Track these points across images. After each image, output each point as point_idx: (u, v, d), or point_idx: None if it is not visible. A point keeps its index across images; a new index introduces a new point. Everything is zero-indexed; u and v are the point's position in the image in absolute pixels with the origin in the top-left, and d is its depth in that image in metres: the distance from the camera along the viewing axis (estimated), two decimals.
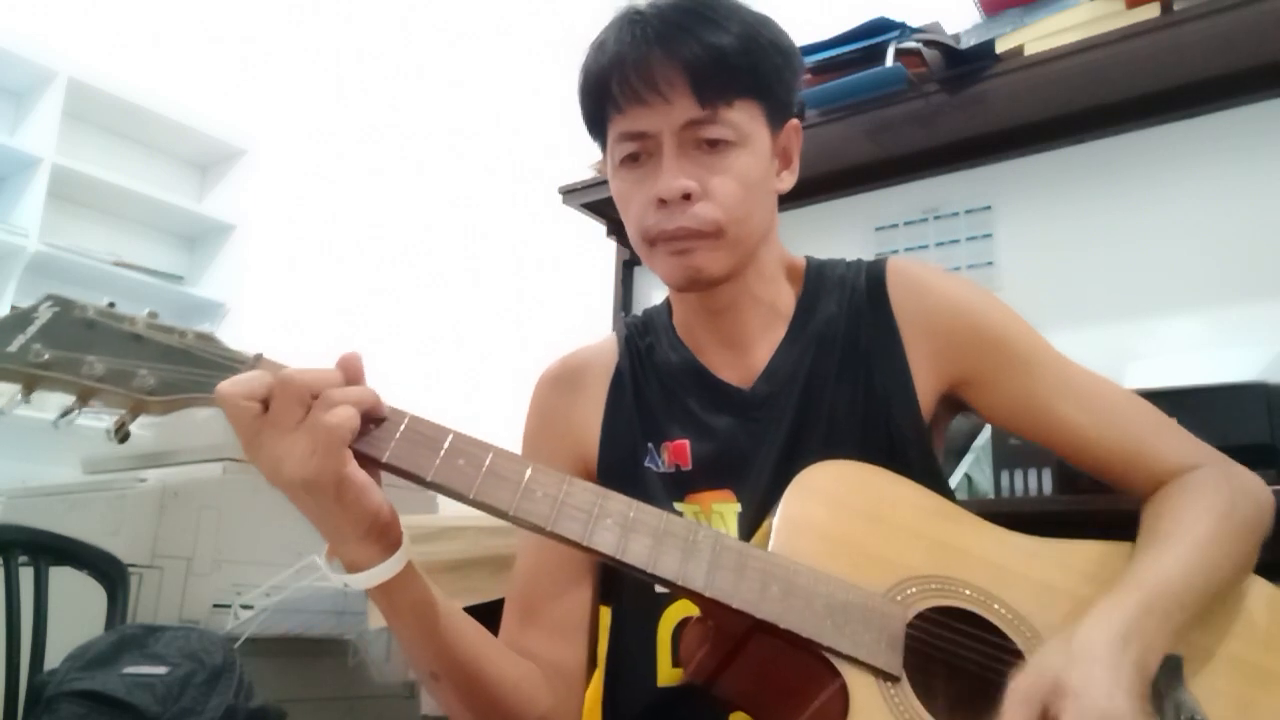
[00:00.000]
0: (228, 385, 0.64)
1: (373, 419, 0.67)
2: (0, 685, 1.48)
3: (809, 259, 0.97)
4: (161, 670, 1.46)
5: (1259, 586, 0.80)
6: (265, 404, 0.64)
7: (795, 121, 0.91)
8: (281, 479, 0.64)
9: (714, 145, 0.83)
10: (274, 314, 3.26)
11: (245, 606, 1.86)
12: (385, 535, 0.69)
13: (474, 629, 0.79)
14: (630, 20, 0.84)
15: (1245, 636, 0.77)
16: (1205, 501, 0.79)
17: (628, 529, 0.68)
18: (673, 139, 0.82)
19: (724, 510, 0.86)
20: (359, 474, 0.66)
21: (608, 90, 0.84)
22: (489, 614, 0.92)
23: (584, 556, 0.89)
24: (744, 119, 0.84)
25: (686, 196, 0.82)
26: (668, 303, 0.99)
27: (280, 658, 1.87)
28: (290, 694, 1.76)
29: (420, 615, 0.73)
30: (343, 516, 0.66)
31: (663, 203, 0.82)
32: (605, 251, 2.38)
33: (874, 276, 0.92)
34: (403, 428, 0.68)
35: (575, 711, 0.89)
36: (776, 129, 0.88)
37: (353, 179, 3.22)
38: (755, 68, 0.83)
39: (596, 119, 0.88)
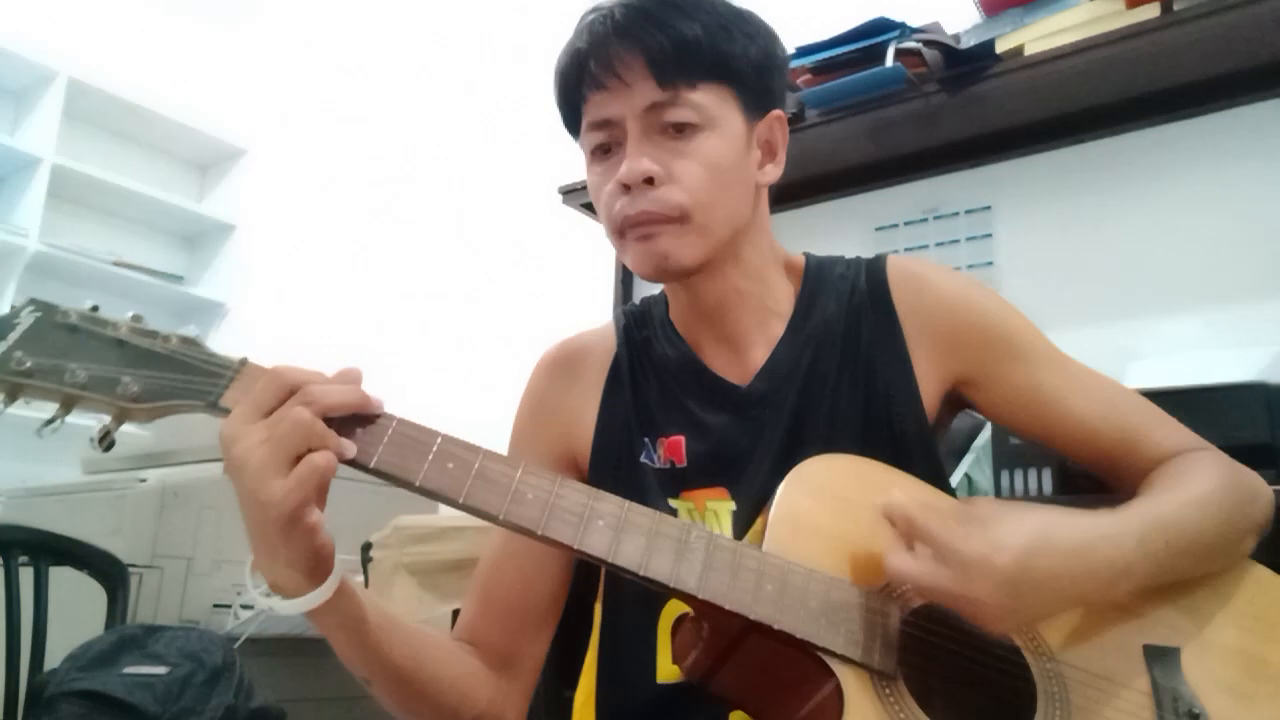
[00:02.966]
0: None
1: (359, 421, 0.67)
2: (0, 685, 1.48)
3: (808, 256, 0.96)
4: (161, 670, 1.46)
5: (1263, 577, 0.80)
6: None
7: (779, 112, 0.89)
8: (243, 482, 0.63)
9: (680, 130, 0.82)
10: (274, 314, 3.26)
11: (245, 606, 1.86)
12: (316, 570, 0.68)
13: (409, 639, 0.79)
14: (598, 16, 0.84)
15: (1247, 627, 0.77)
16: (1204, 469, 0.80)
17: (620, 530, 0.67)
18: (636, 124, 0.82)
19: (718, 508, 0.85)
20: (312, 516, 0.65)
21: (573, 85, 0.85)
22: None
23: (557, 552, 0.89)
24: (710, 101, 0.82)
25: (649, 181, 0.81)
26: (664, 295, 0.99)
27: (280, 658, 1.87)
28: (290, 694, 1.76)
29: (347, 632, 0.73)
30: (280, 543, 0.65)
31: (626, 188, 0.82)
32: (605, 251, 2.38)
33: (875, 274, 0.91)
34: (391, 431, 0.67)
35: (519, 704, 0.89)
36: (754, 118, 0.87)
37: (352, 179, 3.21)
38: (720, 51, 0.82)
39: (571, 117, 0.89)
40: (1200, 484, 0.78)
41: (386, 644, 0.76)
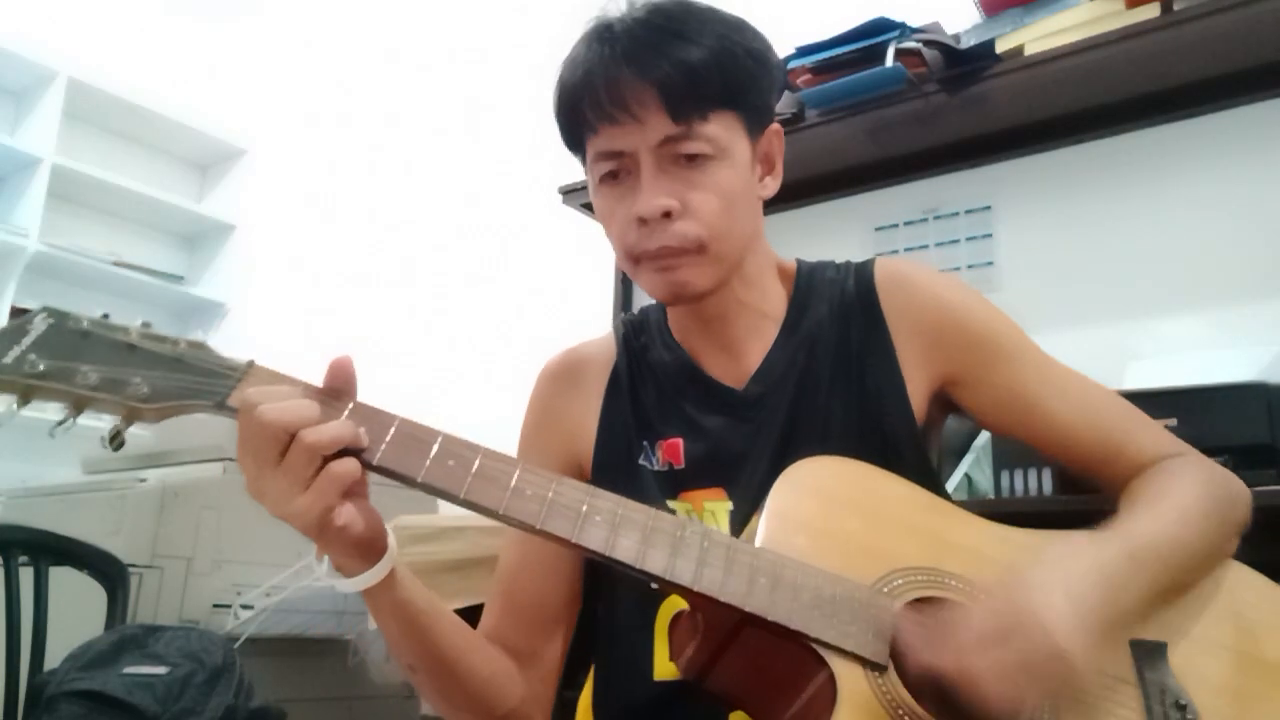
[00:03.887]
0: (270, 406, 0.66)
1: (363, 420, 0.69)
2: (0, 685, 1.48)
3: (800, 262, 0.98)
4: (161, 670, 1.46)
5: (1246, 576, 0.82)
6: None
7: (776, 126, 0.91)
8: (268, 506, 0.68)
9: (692, 160, 0.82)
10: (274, 314, 3.26)
11: (245, 606, 1.86)
12: (369, 551, 0.72)
13: (454, 629, 0.82)
14: (600, 37, 0.84)
15: (1233, 624, 0.78)
16: (1187, 477, 0.82)
17: (616, 526, 0.69)
18: (650, 156, 0.82)
19: (716, 508, 0.87)
20: (341, 514, 0.68)
21: (580, 111, 0.84)
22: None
23: (568, 553, 0.91)
24: (721, 131, 0.83)
25: (667, 214, 0.82)
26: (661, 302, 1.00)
27: (280, 658, 1.87)
28: (290, 694, 1.77)
29: (401, 615, 0.77)
30: (318, 543, 0.70)
31: (643, 222, 0.83)
32: (605, 251, 2.37)
33: (863, 277, 0.93)
34: (393, 430, 0.69)
35: (546, 702, 0.92)
36: (756, 136, 0.88)
37: (353, 179, 3.22)
38: (729, 79, 0.83)
39: (573, 137, 0.89)
40: (1183, 497, 0.79)
41: (434, 631, 0.80)
